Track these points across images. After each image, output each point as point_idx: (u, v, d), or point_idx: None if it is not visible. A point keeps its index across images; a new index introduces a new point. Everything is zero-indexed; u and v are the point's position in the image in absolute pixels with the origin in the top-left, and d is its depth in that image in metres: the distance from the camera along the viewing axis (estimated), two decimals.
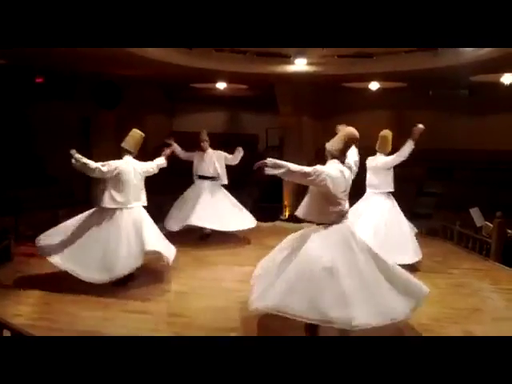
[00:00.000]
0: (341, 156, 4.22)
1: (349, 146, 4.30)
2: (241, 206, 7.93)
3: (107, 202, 5.50)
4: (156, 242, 5.52)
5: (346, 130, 4.30)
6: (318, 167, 4.11)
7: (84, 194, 11.92)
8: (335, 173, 4.10)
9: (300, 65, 9.04)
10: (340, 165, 4.19)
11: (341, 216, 4.17)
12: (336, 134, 4.45)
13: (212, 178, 7.74)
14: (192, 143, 7.86)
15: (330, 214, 4.15)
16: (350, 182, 4.25)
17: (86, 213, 5.68)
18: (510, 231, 7.22)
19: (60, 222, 7.49)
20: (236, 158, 7.81)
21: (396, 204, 6.43)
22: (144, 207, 5.77)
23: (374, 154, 6.40)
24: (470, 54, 7.36)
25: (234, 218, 7.61)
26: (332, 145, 4.26)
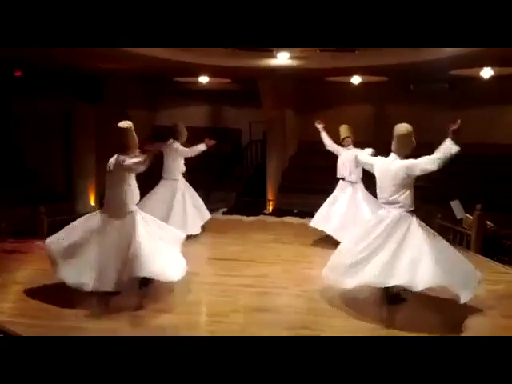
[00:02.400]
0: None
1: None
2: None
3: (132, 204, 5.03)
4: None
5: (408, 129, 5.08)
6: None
7: (65, 190, 11.81)
8: None
9: (282, 59, 9.05)
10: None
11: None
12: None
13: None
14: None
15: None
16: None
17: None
18: (489, 223, 7.35)
19: (41, 219, 7.48)
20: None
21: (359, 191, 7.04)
22: None
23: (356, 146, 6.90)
24: (449, 48, 7.44)
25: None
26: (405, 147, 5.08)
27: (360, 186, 7.09)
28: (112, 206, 5.02)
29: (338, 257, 5.00)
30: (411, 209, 4.96)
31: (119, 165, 4.89)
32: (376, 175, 5.06)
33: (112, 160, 5.02)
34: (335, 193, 7.25)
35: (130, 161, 4.85)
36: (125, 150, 4.96)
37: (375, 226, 4.86)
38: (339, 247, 5.14)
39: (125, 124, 5.01)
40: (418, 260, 4.55)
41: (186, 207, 7.21)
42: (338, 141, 7.18)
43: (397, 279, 4.54)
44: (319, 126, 7.14)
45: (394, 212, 4.88)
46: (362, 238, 4.86)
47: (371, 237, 4.79)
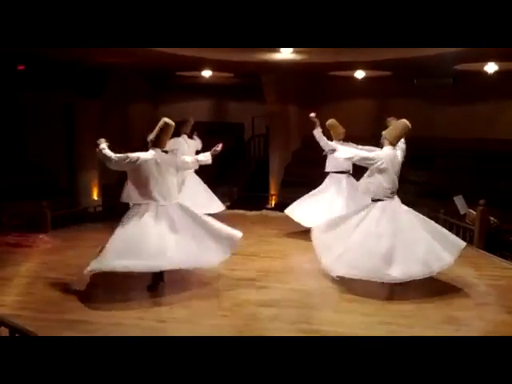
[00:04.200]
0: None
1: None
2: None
3: (127, 197, 5.18)
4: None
5: (403, 122, 5.24)
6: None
7: (68, 184, 11.83)
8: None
9: (286, 53, 9.01)
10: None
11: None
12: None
13: None
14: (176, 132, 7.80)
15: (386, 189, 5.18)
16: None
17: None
18: (492, 218, 7.33)
19: (44, 212, 7.49)
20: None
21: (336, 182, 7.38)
22: None
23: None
24: None
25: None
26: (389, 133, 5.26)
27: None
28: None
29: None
30: None
31: None
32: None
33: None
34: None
35: None
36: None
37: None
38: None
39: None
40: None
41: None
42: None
43: None
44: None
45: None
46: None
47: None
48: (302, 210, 7.36)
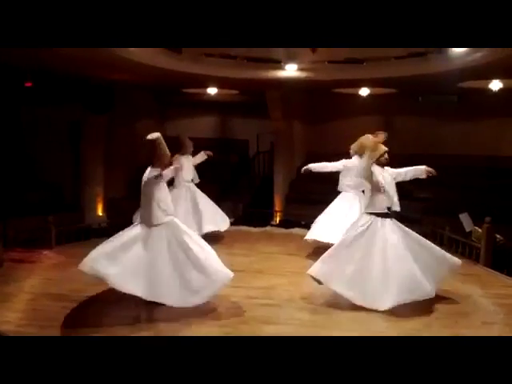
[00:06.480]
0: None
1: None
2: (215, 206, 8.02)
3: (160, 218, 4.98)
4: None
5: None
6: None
7: (73, 200, 11.87)
8: None
9: (290, 70, 9.09)
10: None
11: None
12: None
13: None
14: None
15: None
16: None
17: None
18: (498, 236, 7.28)
19: (49, 228, 7.50)
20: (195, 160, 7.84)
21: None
22: None
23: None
24: (458, 60, 7.45)
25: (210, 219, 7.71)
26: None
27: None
28: (147, 219, 4.99)
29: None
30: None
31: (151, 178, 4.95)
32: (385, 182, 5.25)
33: (145, 173, 5.06)
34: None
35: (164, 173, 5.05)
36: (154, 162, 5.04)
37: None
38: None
39: (153, 136, 5.07)
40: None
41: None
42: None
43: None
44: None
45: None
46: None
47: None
48: (319, 228, 7.17)
